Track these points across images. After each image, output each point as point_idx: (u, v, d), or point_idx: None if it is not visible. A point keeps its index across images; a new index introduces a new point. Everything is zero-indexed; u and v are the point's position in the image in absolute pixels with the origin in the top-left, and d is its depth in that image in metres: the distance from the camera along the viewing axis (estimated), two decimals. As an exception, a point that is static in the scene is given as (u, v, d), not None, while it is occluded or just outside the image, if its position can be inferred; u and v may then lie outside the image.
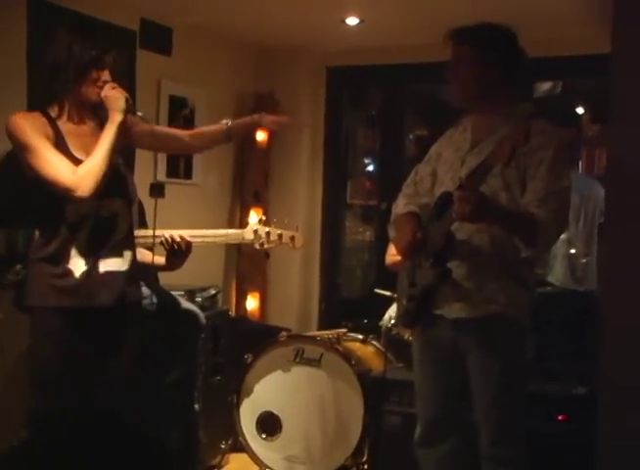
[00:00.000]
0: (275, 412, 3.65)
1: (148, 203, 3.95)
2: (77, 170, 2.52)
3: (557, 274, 4.63)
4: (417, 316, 2.62)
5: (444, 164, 2.69)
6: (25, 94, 3.62)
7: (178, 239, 2.94)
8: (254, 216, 4.87)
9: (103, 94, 2.61)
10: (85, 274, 2.60)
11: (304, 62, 5.05)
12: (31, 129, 2.55)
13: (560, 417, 3.08)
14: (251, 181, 5.02)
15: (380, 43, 4.71)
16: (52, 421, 0.91)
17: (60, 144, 2.59)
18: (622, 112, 2.84)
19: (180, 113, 4.53)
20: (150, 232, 3.01)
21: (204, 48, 4.67)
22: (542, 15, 3.96)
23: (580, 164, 5.64)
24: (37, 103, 3.60)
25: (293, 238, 3.13)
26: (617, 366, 2.84)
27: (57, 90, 2.63)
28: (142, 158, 4.20)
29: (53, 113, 2.63)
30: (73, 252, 2.59)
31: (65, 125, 2.63)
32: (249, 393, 3.67)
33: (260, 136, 5.02)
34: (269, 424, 3.66)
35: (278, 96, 4.98)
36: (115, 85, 2.64)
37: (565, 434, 3.05)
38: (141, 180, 3.94)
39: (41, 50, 3.64)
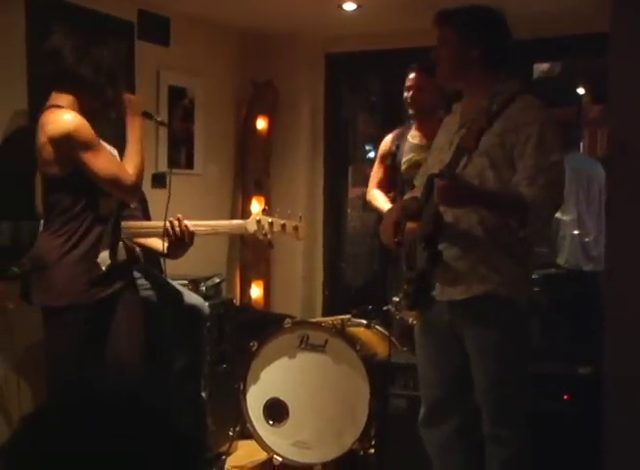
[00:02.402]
0: (282, 398, 3.67)
1: (150, 194, 3.98)
2: (131, 171, 2.71)
3: (565, 255, 4.63)
4: (416, 299, 2.63)
5: (436, 148, 2.71)
6: (26, 84, 3.62)
7: (180, 226, 2.98)
8: (257, 205, 4.87)
9: (126, 99, 2.80)
10: (110, 266, 2.73)
11: (303, 49, 5.03)
12: (90, 129, 2.69)
13: (565, 396, 3.09)
14: (252, 170, 5.02)
15: (378, 28, 4.69)
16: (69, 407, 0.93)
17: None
18: (621, 91, 2.85)
19: (180, 103, 4.54)
20: (157, 223, 3.07)
21: (201, 37, 4.66)
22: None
23: (582, 144, 5.63)
24: (37, 95, 3.64)
25: (296, 228, 3.14)
26: (621, 346, 2.85)
27: (110, 96, 2.82)
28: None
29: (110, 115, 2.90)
30: (102, 247, 2.73)
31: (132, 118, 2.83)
32: (255, 380, 3.69)
33: (260, 124, 5.01)
34: (276, 410, 3.68)
35: (277, 83, 4.98)
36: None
37: (570, 413, 3.06)
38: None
39: (40, 42, 3.67)
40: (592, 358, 3.10)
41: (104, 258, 2.73)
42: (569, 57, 5.05)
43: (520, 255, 2.56)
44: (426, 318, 2.70)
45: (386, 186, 3.95)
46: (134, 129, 2.78)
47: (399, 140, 3.89)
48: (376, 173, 3.98)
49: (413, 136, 3.85)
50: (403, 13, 4.34)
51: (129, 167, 2.72)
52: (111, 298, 2.73)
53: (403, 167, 3.81)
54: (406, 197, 2.81)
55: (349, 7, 4.36)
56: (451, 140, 2.61)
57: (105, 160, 2.69)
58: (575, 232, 4.61)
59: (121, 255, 2.81)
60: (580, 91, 5.57)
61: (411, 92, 3.76)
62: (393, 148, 3.89)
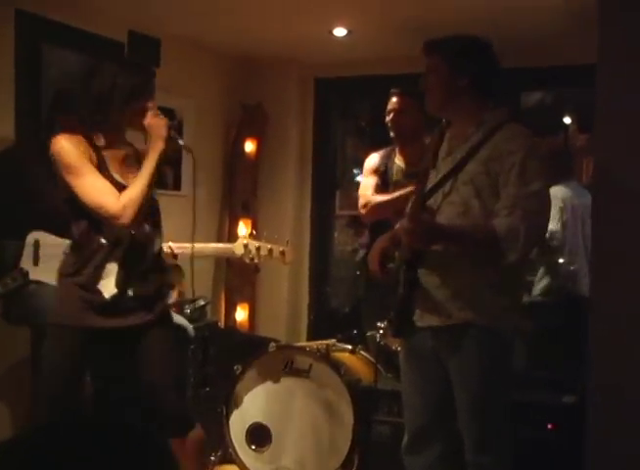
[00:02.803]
0: (265, 423, 3.63)
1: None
2: (121, 198, 2.55)
3: (550, 282, 4.64)
4: (399, 325, 2.62)
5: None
6: (13, 105, 3.62)
7: (167, 250, 2.95)
8: (244, 228, 4.86)
9: (146, 122, 2.65)
10: (115, 296, 2.62)
11: (293, 73, 5.06)
12: (77, 152, 2.57)
13: (549, 425, 3.08)
14: (239, 192, 5.02)
15: (368, 54, 4.72)
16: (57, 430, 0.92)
17: (102, 168, 2.62)
18: (607, 121, 2.87)
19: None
20: None
21: (192, 59, 4.68)
22: (529, 26, 4.00)
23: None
24: (24, 112, 3.64)
25: (283, 253, 3.14)
26: (605, 375, 2.85)
27: (100, 120, 2.64)
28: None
29: (98, 142, 2.65)
30: (105, 273, 2.62)
31: (105, 150, 2.66)
32: (238, 404, 3.65)
33: (249, 147, 5.02)
34: (259, 435, 3.64)
35: (266, 107, 4.99)
36: (158, 112, 2.68)
37: (554, 442, 3.05)
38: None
39: (28, 61, 3.68)
40: (576, 387, 3.10)
41: (108, 285, 2.62)
42: (556, 87, 5.10)
43: (502, 283, 2.56)
44: (410, 345, 2.69)
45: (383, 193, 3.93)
46: (151, 154, 2.62)
47: (387, 160, 3.89)
48: (369, 183, 3.90)
49: (399, 159, 3.86)
50: (393, 40, 4.37)
51: (124, 194, 2.57)
52: (129, 329, 2.66)
53: (390, 189, 3.81)
54: (397, 226, 2.80)
55: (340, 33, 4.38)
56: (438, 166, 2.62)
57: (89, 184, 2.54)
58: (561, 260, 4.62)
59: (156, 288, 2.72)
60: (567, 120, 5.61)
61: (392, 115, 3.78)
62: (382, 167, 3.88)
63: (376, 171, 3.92)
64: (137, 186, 2.58)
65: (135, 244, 2.65)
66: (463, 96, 2.59)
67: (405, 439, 2.76)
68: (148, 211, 2.67)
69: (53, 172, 3.16)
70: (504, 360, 2.59)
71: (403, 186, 3.68)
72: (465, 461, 2.62)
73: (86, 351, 2.67)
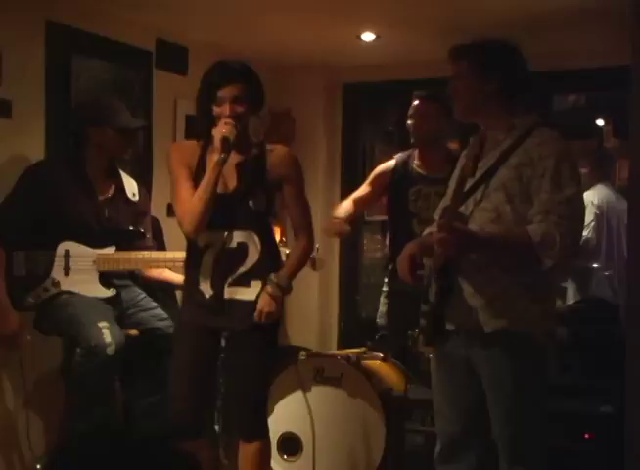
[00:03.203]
0: (296, 432, 3.61)
1: (165, 223, 3.96)
2: (179, 210, 2.71)
3: (588, 288, 4.57)
4: (432, 334, 2.58)
5: (453, 179, 2.69)
6: (43, 115, 3.64)
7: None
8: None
9: (213, 132, 2.69)
10: (212, 298, 2.74)
11: (320, 78, 5.04)
12: (177, 160, 2.74)
13: (586, 435, 3.02)
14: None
15: (396, 59, 4.70)
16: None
17: (198, 176, 2.71)
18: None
19: (196, 132, 4.53)
20: (174, 254, 3.16)
21: (219, 67, 4.67)
22: (562, 28, 3.94)
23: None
24: (54, 122, 3.67)
25: (313, 260, 3.12)
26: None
27: (199, 129, 2.79)
28: (158, 177, 4.21)
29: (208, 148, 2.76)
30: (202, 276, 2.75)
31: (211, 155, 2.72)
32: (269, 413, 3.63)
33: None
34: (290, 444, 3.62)
35: (294, 113, 4.97)
36: (228, 121, 2.67)
37: (591, 452, 3.00)
38: (158, 200, 3.96)
39: (59, 70, 3.69)
40: (614, 397, 3.04)
41: (206, 289, 2.76)
42: (589, 89, 5.03)
43: (538, 290, 2.52)
44: (442, 352, 2.65)
45: (365, 205, 3.93)
46: (208, 168, 2.69)
47: (403, 167, 3.83)
48: (360, 190, 3.92)
49: (418, 166, 3.80)
50: (421, 44, 4.34)
51: (187, 205, 2.67)
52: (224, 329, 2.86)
53: (411, 198, 3.76)
54: (425, 232, 2.77)
55: (368, 38, 4.36)
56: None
57: (176, 192, 2.72)
58: (595, 265, 4.55)
59: None
60: (600, 123, 5.54)
61: (414, 120, 3.74)
62: (397, 175, 3.82)
63: (376, 181, 3.88)
64: (195, 197, 2.66)
65: (228, 249, 2.74)
66: (492, 101, 2.56)
67: (438, 448, 2.72)
68: (247, 217, 2.75)
69: (81, 182, 3.21)
70: (539, 368, 2.55)
71: (426, 195, 3.67)
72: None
73: (204, 348, 2.82)
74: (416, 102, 3.77)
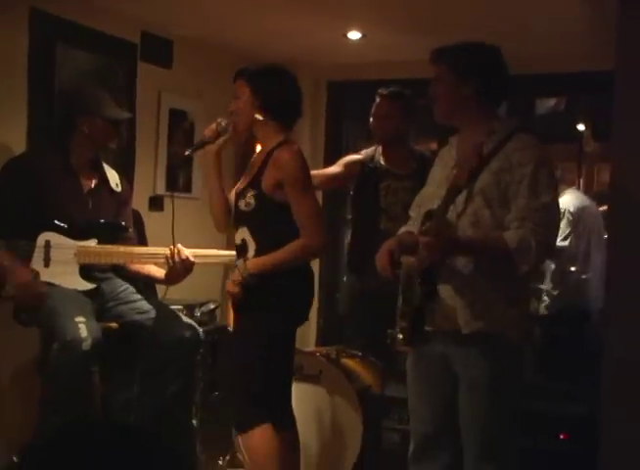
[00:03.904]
0: (273, 428, 3.60)
1: (147, 217, 3.95)
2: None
3: (558, 291, 4.61)
4: (412, 334, 2.60)
5: (432, 182, 2.70)
6: (26, 103, 3.62)
7: (180, 256, 3.12)
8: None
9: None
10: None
11: (305, 76, 4.98)
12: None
13: (562, 436, 3.06)
14: (250, 195, 4.99)
15: (381, 58, 4.71)
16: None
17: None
18: (625, 129, 2.85)
19: (180, 126, 4.52)
20: (157, 250, 3.17)
21: (204, 61, 4.66)
22: (545, 32, 3.97)
23: (582, 180, 5.64)
24: (37, 110, 3.64)
25: None
26: (618, 385, 2.82)
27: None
28: (141, 171, 4.20)
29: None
30: None
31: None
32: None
33: (260, 149, 4.99)
34: (267, 440, 3.61)
35: (278, 110, 4.95)
36: (232, 110, 3.01)
37: (566, 452, 3.03)
38: (140, 194, 3.95)
39: (43, 59, 3.67)
40: (588, 397, 3.07)
41: None
42: (571, 93, 5.07)
43: (515, 293, 2.54)
44: (419, 352, 2.67)
45: (332, 182, 3.89)
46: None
47: (372, 162, 3.80)
48: (331, 169, 3.90)
49: (383, 160, 3.81)
50: (407, 44, 4.35)
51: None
52: None
53: (382, 193, 3.76)
54: (401, 230, 2.78)
55: (354, 36, 4.37)
56: (447, 176, 2.59)
57: None
58: (573, 268, 4.60)
59: None
60: (581, 127, 5.58)
61: (375, 119, 3.75)
62: (366, 169, 3.80)
63: (350, 166, 3.84)
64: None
65: (236, 246, 2.96)
66: (470, 104, 2.57)
67: (411, 447, 2.73)
68: (243, 216, 2.91)
69: (66, 173, 3.19)
70: (514, 368, 2.57)
71: (395, 191, 3.69)
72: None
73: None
74: (378, 100, 3.78)
